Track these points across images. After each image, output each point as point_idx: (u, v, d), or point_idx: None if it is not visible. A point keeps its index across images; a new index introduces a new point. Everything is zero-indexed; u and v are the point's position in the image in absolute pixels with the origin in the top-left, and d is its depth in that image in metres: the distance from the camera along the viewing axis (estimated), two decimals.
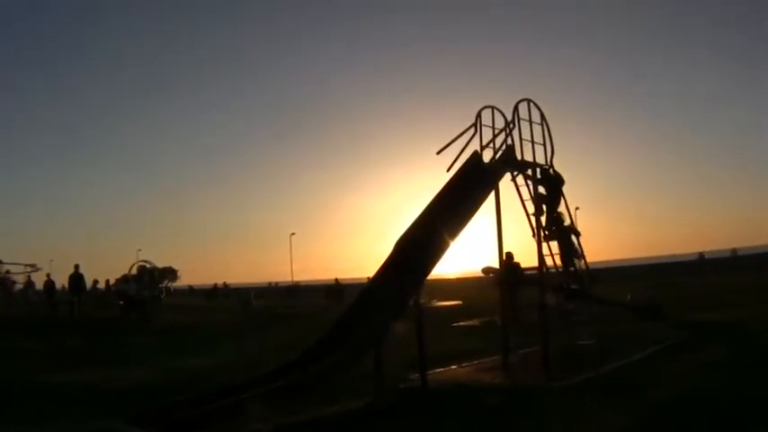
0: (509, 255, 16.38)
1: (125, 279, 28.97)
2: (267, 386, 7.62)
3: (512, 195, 11.75)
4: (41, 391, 9.59)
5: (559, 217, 12.23)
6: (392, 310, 8.89)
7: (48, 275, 29.31)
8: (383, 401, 8.20)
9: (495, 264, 12.06)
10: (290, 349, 10.24)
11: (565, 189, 12.40)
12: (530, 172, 11.72)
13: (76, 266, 24.37)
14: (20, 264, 32.09)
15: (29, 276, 29.87)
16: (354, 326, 8.88)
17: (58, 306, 26.29)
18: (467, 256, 14.79)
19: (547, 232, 11.87)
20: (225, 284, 53.96)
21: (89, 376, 10.88)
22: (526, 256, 12.52)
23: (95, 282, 34.35)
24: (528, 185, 11.75)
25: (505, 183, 11.47)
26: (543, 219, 11.88)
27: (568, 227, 12.31)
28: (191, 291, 61.55)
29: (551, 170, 12.08)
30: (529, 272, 12.31)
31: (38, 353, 14.14)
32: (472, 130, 11.47)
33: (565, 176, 12.40)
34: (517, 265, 15.19)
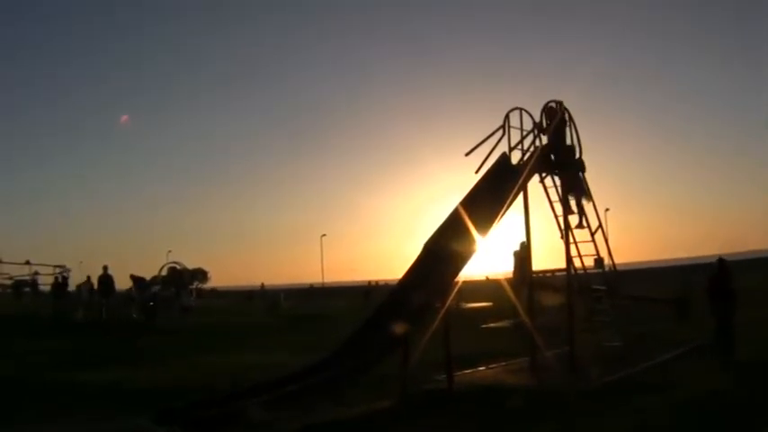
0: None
1: (152, 281, 29.05)
2: (287, 387, 7.66)
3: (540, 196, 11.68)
4: (66, 390, 9.75)
5: (570, 149, 11.90)
6: (419, 312, 8.95)
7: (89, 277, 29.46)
8: (405, 403, 8.21)
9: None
10: (311, 351, 10.31)
11: (599, 189, 12.27)
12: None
13: (105, 268, 24.14)
14: (48, 265, 32.24)
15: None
16: (375, 333, 8.89)
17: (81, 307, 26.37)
18: (498, 256, 14.69)
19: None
20: (262, 286, 53.11)
21: (113, 375, 11.06)
22: (556, 257, 12.31)
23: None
24: (556, 187, 11.66)
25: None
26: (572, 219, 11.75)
27: (577, 160, 12.00)
28: (213, 292, 61.23)
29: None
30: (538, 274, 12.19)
31: (64, 352, 14.39)
32: (500, 132, 11.45)
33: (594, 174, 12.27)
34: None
